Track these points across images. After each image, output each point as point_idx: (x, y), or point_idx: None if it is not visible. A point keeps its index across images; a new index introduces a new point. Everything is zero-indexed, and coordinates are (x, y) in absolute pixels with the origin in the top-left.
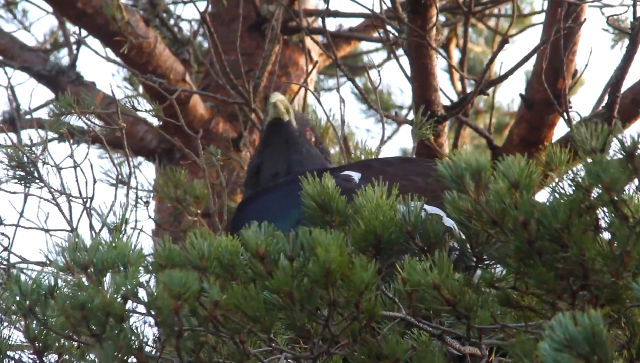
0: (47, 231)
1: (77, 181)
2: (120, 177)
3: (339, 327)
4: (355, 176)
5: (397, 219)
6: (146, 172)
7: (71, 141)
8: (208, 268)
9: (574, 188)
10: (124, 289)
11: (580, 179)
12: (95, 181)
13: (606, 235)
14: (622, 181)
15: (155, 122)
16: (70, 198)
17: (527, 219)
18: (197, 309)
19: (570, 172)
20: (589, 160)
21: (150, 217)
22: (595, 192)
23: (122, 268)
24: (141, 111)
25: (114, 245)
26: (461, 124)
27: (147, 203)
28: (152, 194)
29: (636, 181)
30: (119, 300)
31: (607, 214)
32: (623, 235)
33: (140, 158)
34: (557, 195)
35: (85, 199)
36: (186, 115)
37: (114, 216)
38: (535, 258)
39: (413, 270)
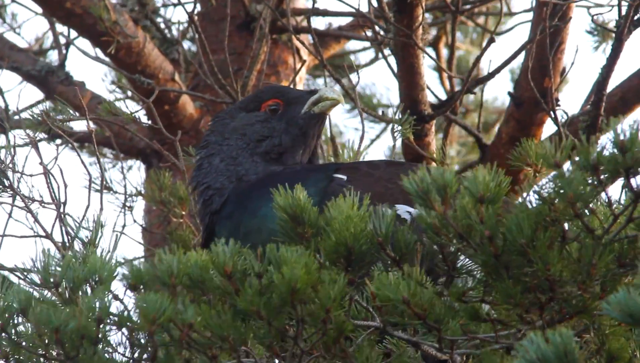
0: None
1: (48, 187)
2: (105, 183)
3: (309, 341)
4: (343, 178)
5: (368, 231)
6: (133, 174)
7: (38, 147)
8: (177, 285)
9: (539, 201)
10: (97, 310)
11: (545, 194)
12: (66, 186)
13: (574, 246)
14: (586, 194)
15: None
16: (43, 204)
17: (493, 233)
18: (172, 331)
19: (535, 186)
20: (553, 174)
21: (135, 221)
22: (560, 205)
23: (94, 285)
24: (127, 112)
25: (85, 261)
26: (450, 122)
27: (130, 208)
28: (135, 199)
29: (603, 193)
30: (92, 322)
31: (573, 227)
32: (589, 247)
33: (130, 162)
34: (523, 209)
35: (58, 205)
36: (176, 115)
37: (87, 226)
38: (503, 272)
39: (382, 285)
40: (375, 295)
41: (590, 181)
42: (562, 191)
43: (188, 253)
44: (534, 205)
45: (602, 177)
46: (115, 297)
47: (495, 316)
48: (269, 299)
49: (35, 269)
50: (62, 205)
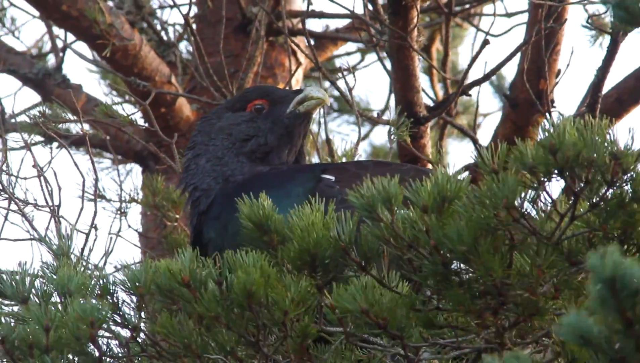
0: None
1: (42, 190)
2: (98, 192)
3: (274, 346)
4: (330, 178)
5: (331, 236)
6: (130, 178)
7: (31, 149)
8: (145, 294)
9: (480, 207)
10: (45, 318)
11: (485, 200)
12: (60, 189)
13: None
14: (517, 197)
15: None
16: (37, 207)
17: (438, 243)
18: (118, 335)
19: (475, 193)
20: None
21: (129, 226)
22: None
23: (62, 298)
24: (124, 115)
25: (56, 273)
26: (445, 124)
27: (124, 213)
28: (129, 206)
29: (544, 193)
30: (41, 331)
31: (519, 231)
32: (530, 249)
33: (128, 166)
34: (465, 216)
35: (53, 208)
36: (172, 117)
37: (64, 239)
38: (453, 279)
39: (339, 297)
40: (334, 307)
41: (528, 184)
42: (494, 194)
43: (157, 262)
44: (477, 210)
45: (541, 178)
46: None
47: (453, 323)
48: (228, 304)
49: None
50: (56, 208)
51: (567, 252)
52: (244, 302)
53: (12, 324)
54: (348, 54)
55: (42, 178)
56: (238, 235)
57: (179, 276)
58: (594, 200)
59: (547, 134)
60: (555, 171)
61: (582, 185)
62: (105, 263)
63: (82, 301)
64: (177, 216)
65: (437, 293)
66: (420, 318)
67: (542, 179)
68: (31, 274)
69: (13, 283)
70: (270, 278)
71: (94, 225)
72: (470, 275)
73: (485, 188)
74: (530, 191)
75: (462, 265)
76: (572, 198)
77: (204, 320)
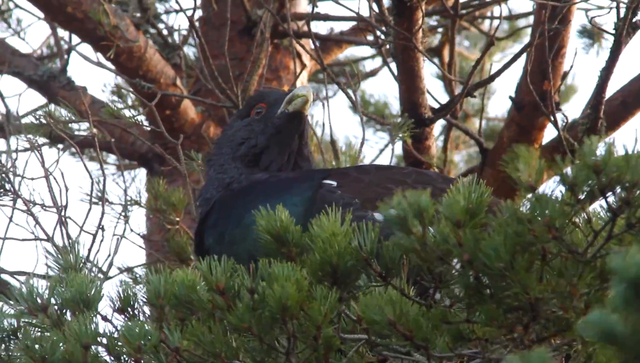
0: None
1: (50, 190)
2: (100, 195)
3: (300, 356)
4: (332, 184)
5: (353, 247)
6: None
7: (36, 150)
8: (165, 305)
9: (518, 223)
10: (83, 336)
11: (522, 215)
12: (67, 190)
13: (555, 265)
14: (563, 216)
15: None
16: (44, 207)
17: (472, 257)
18: (159, 357)
19: (510, 207)
20: (530, 196)
21: (132, 230)
22: (537, 228)
23: (81, 307)
24: (129, 116)
25: (70, 283)
26: (450, 126)
27: (127, 217)
28: (131, 209)
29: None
30: (79, 348)
31: (553, 247)
32: (569, 267)
33: (134, 172)
34: (500, 232)
35: (60, 208)
36: (177, 119)
37: (74, 251)
38: (485, 293)
39: (366, 308)
40: (361, 318)
41: (568, 202)
42: (537, 213)
43: (174, 272)
44: (512, 226)
45: (580, 197)
46: (105, 319)
47: (480, 336)
48: (260, 315)
49: (21, 296)
50: (63, 209)
51: (600, 270)
52: (277, 315)
53: (50, 343)
54: (373, 57)
55: (49, 178)
56: (235, 244)
57: (213, 284)
58: (632, 221)
59: (590, 154)
60: (597, 191)
61: (622, 205)
62: (110, 266)
63: (126, 321)
64: (178, 219)
65: (467, 307)
66: (450, 331)
67: (581, 198)
68: (47, 279)
69: (27, 289)
70: (302, 292)
71: (101, 226)
72: (505, 291)
73: (527, 207)
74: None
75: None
76: (610, 218)
77: (230, 329)
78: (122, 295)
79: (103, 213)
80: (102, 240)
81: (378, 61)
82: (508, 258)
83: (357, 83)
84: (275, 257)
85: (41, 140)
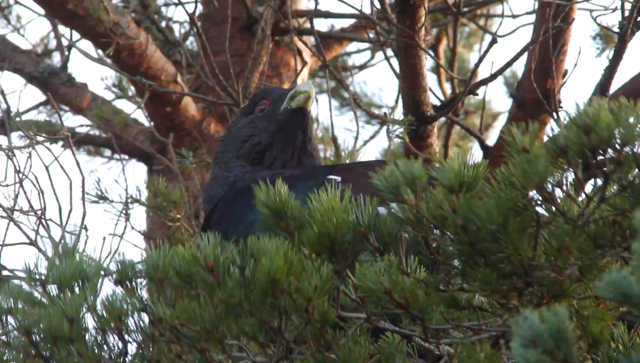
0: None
1: (25, 194)
2: (99, 193)
3: (294, 332)
4: (337, 179)
5: (350, 221)
6: (134, 178)
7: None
8: (164, 279)
9: (509, 187)
10: (73, 309)
11: (514, 179)
12: (43, 193)
13: (549, 230)
14: (549, 176)
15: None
16: (22, 212)
17: (466, 222)
18: (145, 327)
19: (503, 171)
20: (518, 158)
21: (133, 228)
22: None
23: (80, 283)
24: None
25: (69, 262)
26: (452, 124)
27: (127, 216)
28: (131, 206)
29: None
30: (65, 322)
31: (548, 211)
32: (560, 230)
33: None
34: (494, 196)
35: (39, 212)
36: (178, 116)
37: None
38: (479, 260)
39: (363, 276)
40: (357, 287)
41: (561, 165)
42: (526, 175)
43: (175, 247)
44: (506, 192)
45: (572, 160)
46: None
47: (476, 305)
48: (251, 290)
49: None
50: (43, 211)
51: (594, 235)
52: (267, 289)
53: (36, 315)
54: (359, 51)
55: (25, 182)
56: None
57: (202, 261)
58: (624, 183)
59: (581, 114)
60: (588, 152)
61: (614, 166)
62: (109, 263)
63: (109, 294)
64: (179, 216)
65: (461, 274)
66: (444, 299)
67: (574, 160)
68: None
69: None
70: (293, 265)
71: (84, 226)
72: (498, 255)
73: (516, 166)
74: (560, 172)
75: (486, 246)
76: (603, 181)
77: (219, 306)
78: (119, 267)
79: (85, 213)
80: (87, 240)
81: (376, 55)
82: (501, 221)
83: (351, 82)
84: (274, 232)
85: (39, 138)
